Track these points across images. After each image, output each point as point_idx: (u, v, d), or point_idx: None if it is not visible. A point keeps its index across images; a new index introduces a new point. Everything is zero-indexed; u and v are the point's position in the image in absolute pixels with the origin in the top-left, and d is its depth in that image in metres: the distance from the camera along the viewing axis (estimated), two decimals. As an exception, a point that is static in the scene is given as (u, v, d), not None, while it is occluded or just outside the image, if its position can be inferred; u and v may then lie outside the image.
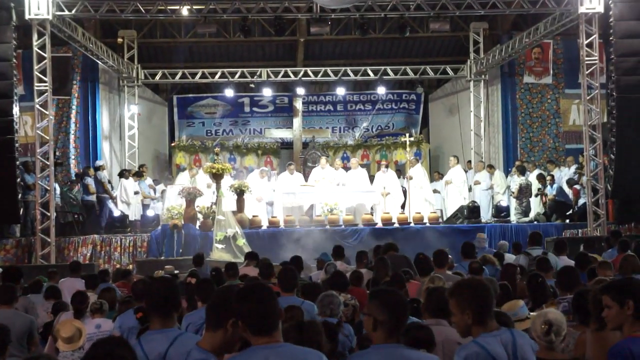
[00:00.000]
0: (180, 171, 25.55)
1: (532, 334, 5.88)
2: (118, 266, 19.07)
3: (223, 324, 4.52)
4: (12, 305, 8.75)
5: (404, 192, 23.19)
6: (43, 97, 19.78)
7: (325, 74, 26.76)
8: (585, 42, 19.91)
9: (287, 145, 28.51)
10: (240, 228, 19.86)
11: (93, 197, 22.08)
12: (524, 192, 22.30)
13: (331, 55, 29.01)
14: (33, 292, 11.50)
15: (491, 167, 24.48)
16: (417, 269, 10.50)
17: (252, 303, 4.28)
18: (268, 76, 26.56)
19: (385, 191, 22.61)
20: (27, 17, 19.43)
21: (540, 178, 22.47)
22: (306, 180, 23.20)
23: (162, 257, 19.28)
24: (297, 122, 27.64)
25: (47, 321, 9.95)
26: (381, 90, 27.54)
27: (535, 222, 21.72)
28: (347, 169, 24.24)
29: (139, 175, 23.75)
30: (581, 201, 21.40)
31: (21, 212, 19.90)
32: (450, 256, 12.41)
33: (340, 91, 27.80)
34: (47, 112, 19.99)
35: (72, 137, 24.47)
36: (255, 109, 29.27)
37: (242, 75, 26.59)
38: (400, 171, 24.68)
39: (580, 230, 20.22)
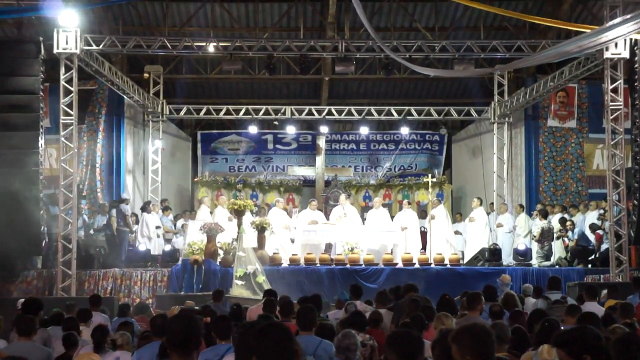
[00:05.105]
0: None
1: None
2: (138, 300, 19.08)
3: None
4: (31, 337, 8.74)
5: (423, 233, 23.12)
6: (68, 130, 19.89)
7: (349, 113, 26.80)
8: (610, 87, 19.81)
9: (309, 183, 28.51)
10: (260, 265, 19.83)
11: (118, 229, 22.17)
12: (545, 236, 22.07)
13: (355, 95, 29.14)
14: (54, 324, 11.49)
15: (521, 207, 24.28)
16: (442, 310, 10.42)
17: (269, 341, 4.28)
18: (292, 114, 26.61)
19: (403, 225, 22.53)
20: (55, 51, 19.65)
21: (562, 222, 22.31)
22: (327, 219, 23.15)
23: (182, 292, 19.23)
24: (319, 160, 27.68)
25: (61, 354, 9.87)
26: (404, 130, 27.52)
27: (557, 267, 21.50)
28: (368, 208, 24.10)
29: (166, 209, 23.86)
30: (604, 246, 21.21)
31: (44, 244, 19.98)
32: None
33: (364, 130, 27.83)
34: (71, 145, 20.10)
35: (97, 170, 24.63)
36: (278, 146, 29.42)
37: (267, 113, 26.68)
38: (425, 212, 24.50)
39: (602, 276, 20.01)
